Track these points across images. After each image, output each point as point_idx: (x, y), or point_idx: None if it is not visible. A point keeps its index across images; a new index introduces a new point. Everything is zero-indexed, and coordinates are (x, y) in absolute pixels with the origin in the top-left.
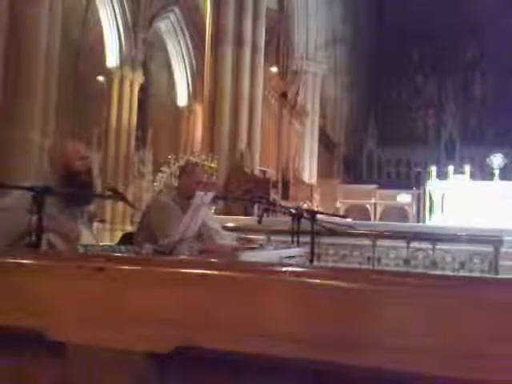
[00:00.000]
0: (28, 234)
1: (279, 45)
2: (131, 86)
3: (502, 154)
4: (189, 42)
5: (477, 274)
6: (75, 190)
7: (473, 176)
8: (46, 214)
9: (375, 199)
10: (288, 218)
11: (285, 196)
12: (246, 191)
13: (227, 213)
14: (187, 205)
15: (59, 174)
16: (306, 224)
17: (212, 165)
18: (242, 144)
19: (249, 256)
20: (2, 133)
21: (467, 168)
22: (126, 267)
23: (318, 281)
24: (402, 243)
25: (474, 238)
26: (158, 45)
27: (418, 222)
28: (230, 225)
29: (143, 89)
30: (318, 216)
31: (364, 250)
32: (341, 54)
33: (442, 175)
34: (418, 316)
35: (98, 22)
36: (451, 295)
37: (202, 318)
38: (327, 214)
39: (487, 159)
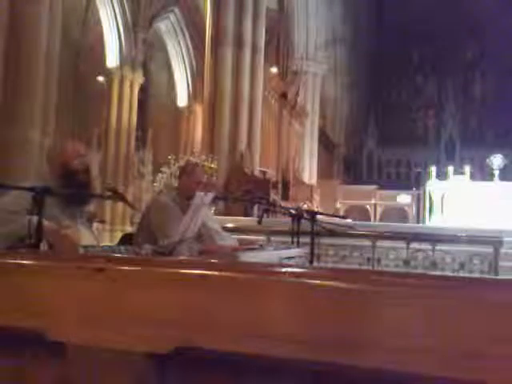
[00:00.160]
0: (28, 236)
1: (279, 45)
2: (131, 86)
3: (501, 154)
4: (189, 43)
5: (477, 275)
6: (74, 190)
7: (473, 177)
8: (46, 215)
9: (375, 200)
10: (288, 219)
11: (285, 197)
12: (245, 192)
13: (227, 213)
14: (187, 205)
15: (57, 174)
16: (305, 225)
17: (212, 165)
18: (242, 144)
19: (249, 257)
20: (2, 133)
21: (467, 169)
22: (126, 268)
23: (318, 281)
24: (401, 244)
25: (473, 238)
26: (158, 45)
27: (418, 222)
28: (230, 225)
29: (143, 89)
30: (318, 217)
31: (364, 251)
32: (341, 54)
33: (442, 176)
34: (418, 317)
35: (98, 22)
36: (451, 296)
37: (202, 318)
38: (327, 215)
39: (487, 160)
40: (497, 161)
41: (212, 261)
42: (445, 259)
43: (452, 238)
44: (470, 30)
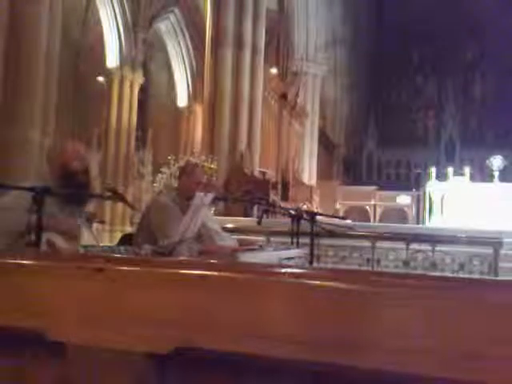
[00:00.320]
0: (28, 234)
1: (279, 46)
2: (131, 86)
3: (501, 155)
4: (189, 43)
5: (476, 276)
6: (72, 190)
7: (472, 178)
8: (46, 214)
9: (375, 200)
10: (287, 220)
11: (284, 197)
12: (245, 192)
13: (227, 214)
14: (187, 206)
15: (57, 174)
16: (305, 225)
17: (212, 166)
18: (242, 145)
19: (248, 257)
20: (2, 133)
21: (467, 170)
22: (126, 268)
23: (318, 282)
24: (401, 245)
25: (473, 239)
26: (158, 45)
27: (418, 223)
28: (230, 226)
29: (143, 89)
30: (318, 217)
31: (363, 252)
32: (341, 55)
33: (442, 177)
34: (418, 317)
35: (98, 22)
36: (451, 297)
37: (202, 318)
38: (327, 216)
39: (487, 161)
40: (497, 162)
41: (211, 261)
42: (444, 260)
43: (452, 239)
44: (470, 30)
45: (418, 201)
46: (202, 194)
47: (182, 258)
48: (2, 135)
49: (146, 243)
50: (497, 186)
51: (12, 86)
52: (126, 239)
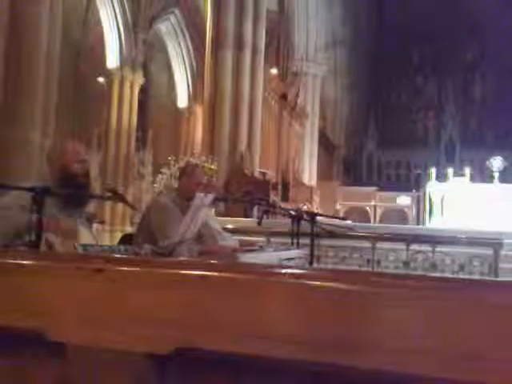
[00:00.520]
0: (27, 234)
1: (279, 46)
2: (131, 87)
3: (501, 156)
4: (189, 44)
5: (476, 277)
6: (72, 191)
7: (472, 178)
8: (46, 214)
9: (375, 201)
10: (288, 220)
11: (284, 198)
12: (245, 193)
13: (227, 214)
14: (187, 206)
15: (57, 176)
16: (305, 226)
17: (212, 166)
18: (242, 146)
19: (248, 258)
20: (2, 133)
21: (467, 170)
22: (125, 268)
23: (318, 283)
24: (401, 245)
25: (473, 240)
26: (159, 46)
27: (418, 224)
28: (230, 226)
29: (143, 90)
30: (318, 218)
31: (364, 252)
32: (341, 56)
33: (442, 177)
34: (418, 318)
35: (99, 23)
36: (451, 297)
37: (202, 319)
38: (327, 216)
39: (487, 162)
40: (497, 163)
41: (212, 261)
42: (445, 261)
43: (452, 240)
44: (470, 30)
45: (418, 201)
46: (202, 194)
47: (182, 258)
48: (2, 135)
49: (146, 243)
50: (497, 187)
51: (12, 86)
52: (126, 239)
